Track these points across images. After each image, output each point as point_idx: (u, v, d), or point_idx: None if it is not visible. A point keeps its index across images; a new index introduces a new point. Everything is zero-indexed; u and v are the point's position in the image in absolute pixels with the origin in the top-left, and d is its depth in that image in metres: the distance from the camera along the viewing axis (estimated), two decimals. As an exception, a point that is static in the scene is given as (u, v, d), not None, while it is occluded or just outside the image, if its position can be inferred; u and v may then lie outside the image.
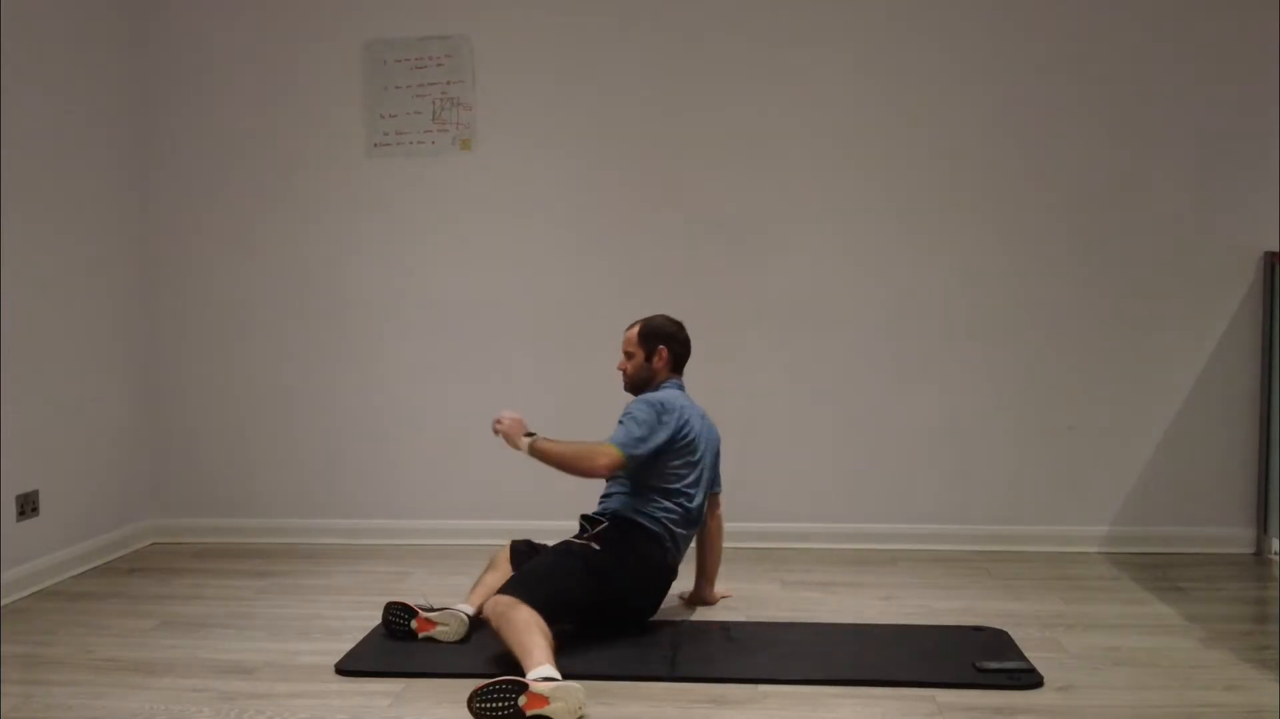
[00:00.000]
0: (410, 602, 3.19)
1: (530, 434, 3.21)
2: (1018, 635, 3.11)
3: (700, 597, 3.48)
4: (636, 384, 3.42)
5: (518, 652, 2.69)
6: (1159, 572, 3.85)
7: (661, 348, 3.38)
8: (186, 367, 4.48)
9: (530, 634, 2.70)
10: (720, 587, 3.53)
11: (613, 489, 3.34)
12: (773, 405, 4.26)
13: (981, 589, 3.65)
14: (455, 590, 3.69)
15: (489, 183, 4.33)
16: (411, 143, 4.34)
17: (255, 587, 3.77)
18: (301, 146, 4.39)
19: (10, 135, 3.66)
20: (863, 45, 4.17)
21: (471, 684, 2.74)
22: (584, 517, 3.30)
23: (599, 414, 4.31)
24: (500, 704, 2.44)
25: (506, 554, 3.35)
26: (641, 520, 3.19)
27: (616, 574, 3.09)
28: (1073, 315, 4.15)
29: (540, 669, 2.57)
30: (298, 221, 4.41)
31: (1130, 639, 3.10)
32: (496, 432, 3.23)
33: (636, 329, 3.41)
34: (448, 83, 4.32)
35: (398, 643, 3.07)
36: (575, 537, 3.24)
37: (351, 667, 2.90)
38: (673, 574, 3.27)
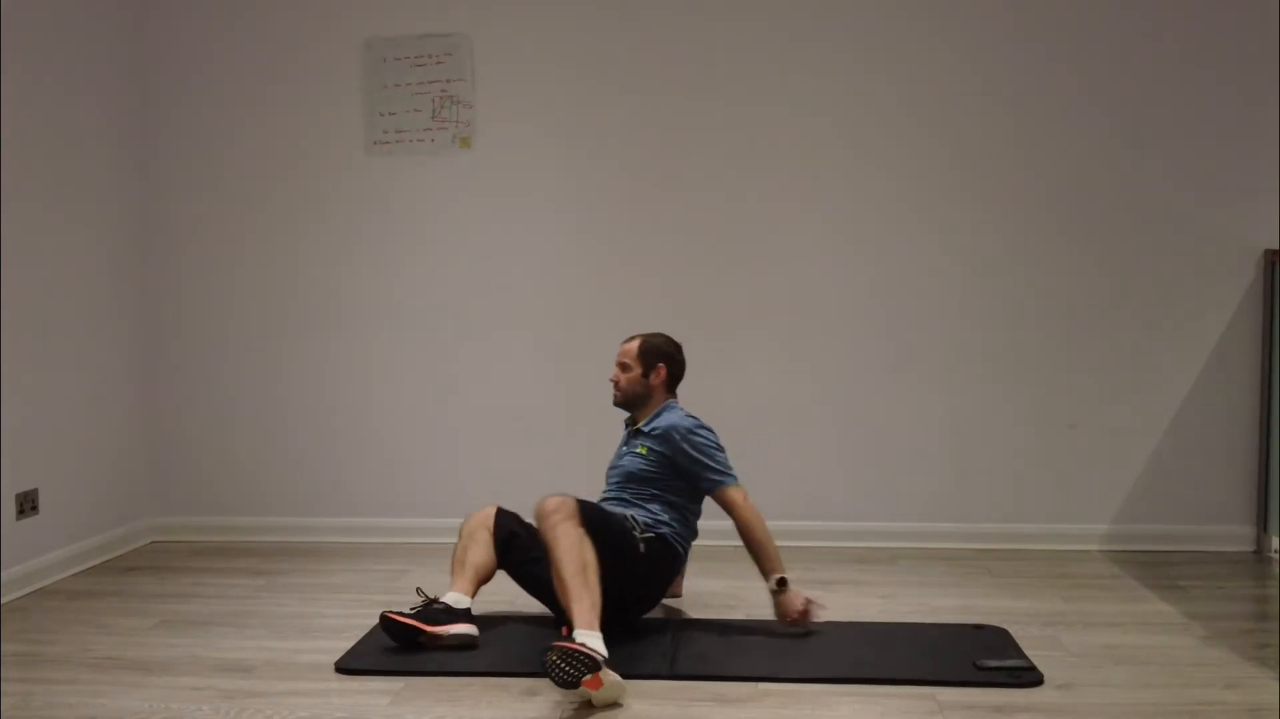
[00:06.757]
0: (409, 617, 2.96)
1: (777, 579, 3.09)
2: (1018, 633, 3.10)
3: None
4: (630, 399, 3.38)
5: (569, 586, 2.77)
6: (1159, 570, 3.84)
7: (661, 365, 3.34)
8: (186, 365, 4.47)
9: (583, 575, 2.78)
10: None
11: (640, 503, 3.25)
12: (773, 402, 4.26)
13: (982, 587, 3.65)
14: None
15: (489, 181, 4.33)
16: (411, 141, 4.33)
17: (254, 585, 3.76)
18: (300, 145, 4.38)
19: (10, 136, 3.65)
20: (866, 40, 4.17)
21: (471, 684, 2.75)
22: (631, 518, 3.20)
23: (598, 413, 4.32)
24: (571, 670, 2.51)
25: (489, 524, 3.24)
26: (678, 546, 3.24)
27: (646, 580, 3.17)
28: (1073, 313, 4.15)
29: (591, 636, 2.65)
30: (297, 220, 4.40)
31: (1130, 637, 3.10)
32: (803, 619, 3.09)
33: (637, 344, 3.36)
34: (447, 80, 4.31)
35: (398, 643, 3.06)
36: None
37: (351, 665, 2.90)
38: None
